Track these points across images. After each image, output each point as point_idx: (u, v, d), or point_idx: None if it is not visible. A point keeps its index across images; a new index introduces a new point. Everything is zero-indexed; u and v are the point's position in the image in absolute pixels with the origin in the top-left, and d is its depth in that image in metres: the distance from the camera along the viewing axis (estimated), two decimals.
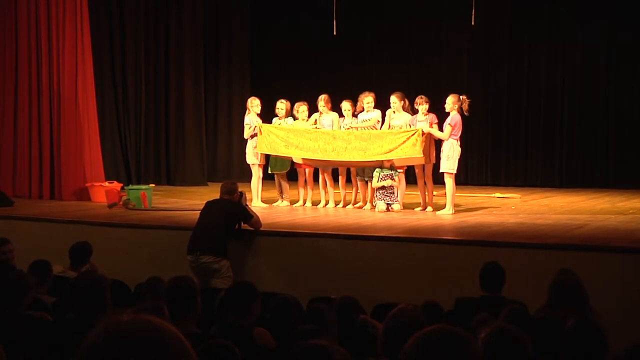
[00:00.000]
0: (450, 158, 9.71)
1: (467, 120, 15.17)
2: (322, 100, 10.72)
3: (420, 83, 15.64)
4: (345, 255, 8.07)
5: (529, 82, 14.83)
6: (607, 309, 5.71)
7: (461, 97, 9.84)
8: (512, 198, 12.21)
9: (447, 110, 9.83)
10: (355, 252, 8.05)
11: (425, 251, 7.81)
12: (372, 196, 10.24)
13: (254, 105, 11.10)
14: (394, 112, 10.32)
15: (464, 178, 14.03)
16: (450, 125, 9.74)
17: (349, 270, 7.88)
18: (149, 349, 1.46)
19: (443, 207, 9.96)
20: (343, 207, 10.53)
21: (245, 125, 11.16)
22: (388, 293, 6.97)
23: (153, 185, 12.13)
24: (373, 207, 10.15)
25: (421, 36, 15.47)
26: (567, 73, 14.54)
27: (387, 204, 9.99)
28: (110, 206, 10.51)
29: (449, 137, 9.74)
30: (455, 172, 9.79)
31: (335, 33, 12.49)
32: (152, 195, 10.94)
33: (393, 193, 10.00)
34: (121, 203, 10.57)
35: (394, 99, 10.30)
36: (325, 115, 10.73)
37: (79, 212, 10.16)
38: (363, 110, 10.51)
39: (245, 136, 11.08)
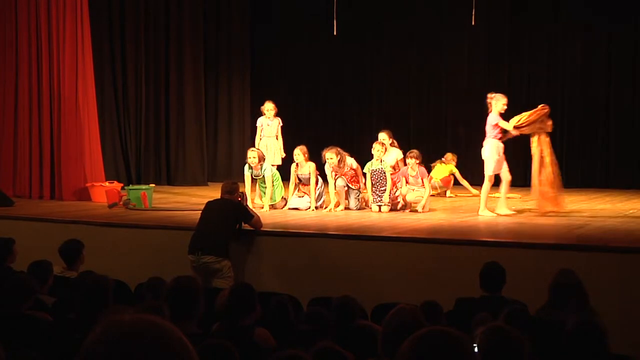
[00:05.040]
0: (487, 160, 9.61)
1: (467, 120, 15.26)
2: (299, 150, 10.36)
3: (420, 82, 15.68)
4: (345, 255, 8.07)
5: (529, 82, 14.83)
6: (607, 309, 5.70)
7: (489, 95, 9.67)
8: (512, 198, 12.21)
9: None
10: (356, 252, 8.05)
11: (425, 251, 7.81)
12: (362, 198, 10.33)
13: (266, 109, 11.27)
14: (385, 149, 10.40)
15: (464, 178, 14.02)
16: (491, 125, 9.59)
17: (349, 271, 7.88)
18: (150, 349, 1.47)
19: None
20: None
21: (257, 127, 11.43)
22: (388, 293, 6.97)
23: (153, 185, 12.13)
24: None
25: (421, 36, 15.47)
26: (567, 73, 14.54)
27: (379, 205, 10.10)
28: (111, 206, 10.51)
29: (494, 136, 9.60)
30: (490, 173, 9.65)
31: (335, 33, 12.50)
32: (152, 195, 10.95)
33: (384, 189, 10.08)
34: (121, 203, 10.57)
35: (383, 136, 10.35)
36: (302, 168, 10.43)
37: (79, 212, 10.16)
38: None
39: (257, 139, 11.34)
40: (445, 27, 15.21)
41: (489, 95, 9.67)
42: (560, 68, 14.59)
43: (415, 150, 10.27)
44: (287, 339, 4.60)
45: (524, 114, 9.66)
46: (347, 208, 10.33)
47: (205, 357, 3.32)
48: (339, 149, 10.32)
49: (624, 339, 5.58)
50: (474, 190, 12.99)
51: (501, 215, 9.67)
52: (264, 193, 10.51)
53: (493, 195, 12.59)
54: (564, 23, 14.48)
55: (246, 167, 10.49)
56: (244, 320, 4.69)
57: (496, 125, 9.55)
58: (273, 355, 3.65)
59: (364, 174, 10.30)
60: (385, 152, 10.28)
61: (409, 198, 10.09)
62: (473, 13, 11.88)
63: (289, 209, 10.42)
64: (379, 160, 10.12)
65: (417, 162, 10.10)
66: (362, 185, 10.40)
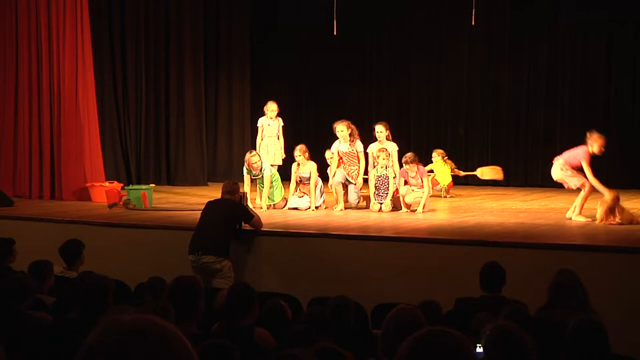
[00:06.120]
0: (565, 178, 9.39)
1: (467, 120, 15.26)
2: (299, 150, 10.43)
3: (420, 82, 15.67)
4: (345, 255, 8.07)
5: (529, 82, 14.83)
6: (607, 309, 5.71)
7: (589, 132, 9.35)
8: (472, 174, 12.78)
9: None
10: (356, 252, 8.05)
11: (425, 251, 7.81)
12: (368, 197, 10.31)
13: (269, 110, 11.21)
14: (380, 141, 10.37)
15: (464, 177, 14.03)
16: (574, 157, 9.34)
17: (349, 270, 7.89)
18: (151, 349, 1.47)
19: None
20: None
21: (258, 128, 11.37)
22: (388, 293, 6.97)
23: (153, 185, 12.13)
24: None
25: (421, 36, 15.46)
26: (567, 72, 14.54)
27: (380, 203, 10.12)
28: (111, 206, 10.51)
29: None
30: (578, 184, 9.33)
31: (335, 33, 12.49)
32: (152, 195, 10.95)
33: (387, 193, 10.10)
34: (121, 203, 10.58)
35: (380, 128, 10.31)
36: (304, 167, 10.46)
37: (79, 212, 10.17)
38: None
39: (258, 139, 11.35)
40: (445, 27, 15.20)
41: (588, 134, 9.30)
42: (560, 68, 14.58)
43: (409, 155, 10.20)
44: (286, 339, 4.59)
45: (604, 208, 9.13)
46: (346, 206, 10.35)
47: (205, 357, 3.33)
48: (350, 123, 10.37)
49: (624, 339, 5.58)
50: (471, 173, 13.17)
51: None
52: None
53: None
54: (564, 22, 14.47)
55: (245, 168, 10.50)
56: (244, 320, 4.69)
57: (579, 162, 9.23)
58: (273, 355, 3.65)
59: (367, 180, 10.34)
60: (390, 158, 10.26)
61: (408, 199, 10.08)
62: (473, 13, 11.88)
63: (289, 208, 10.42)
64: (384, 167, 10.13)
65: (414, 164, 10.08)
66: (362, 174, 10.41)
